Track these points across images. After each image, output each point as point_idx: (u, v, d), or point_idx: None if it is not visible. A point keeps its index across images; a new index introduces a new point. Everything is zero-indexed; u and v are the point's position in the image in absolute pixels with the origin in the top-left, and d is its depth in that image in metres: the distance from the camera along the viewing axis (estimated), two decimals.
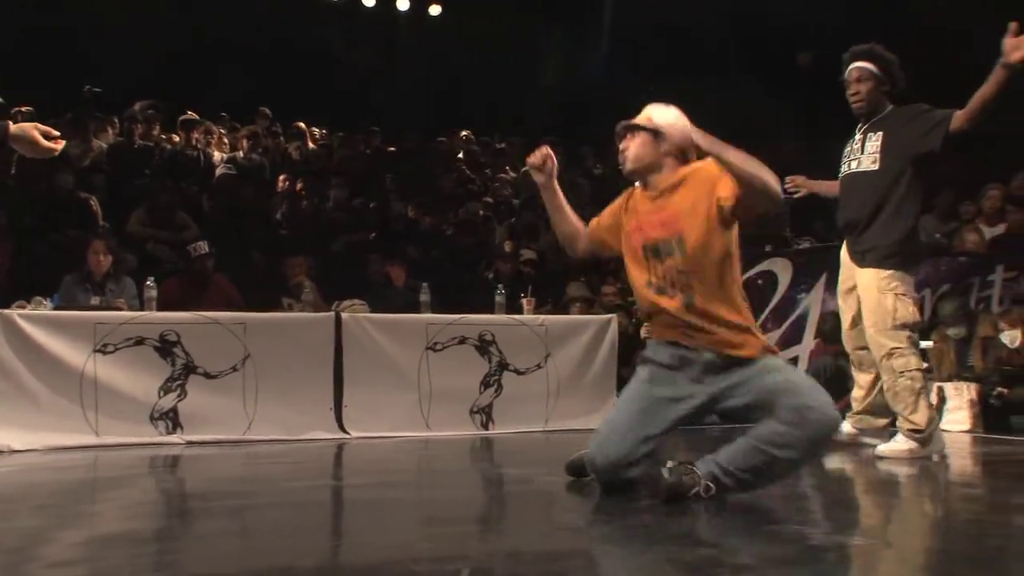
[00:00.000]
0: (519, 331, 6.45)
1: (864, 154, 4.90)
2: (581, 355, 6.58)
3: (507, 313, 6.57)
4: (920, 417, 4.72)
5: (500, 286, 6.92)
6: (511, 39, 12.32)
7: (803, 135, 10.54)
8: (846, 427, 5.26)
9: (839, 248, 5.15)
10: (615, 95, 12.10)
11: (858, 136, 4.97)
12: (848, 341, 5.22)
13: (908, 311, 4.75)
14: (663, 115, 3.68)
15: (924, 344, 6.93)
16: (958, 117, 4.59)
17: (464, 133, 12.49)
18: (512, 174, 11.62)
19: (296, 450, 5.37)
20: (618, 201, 3.86)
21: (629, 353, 6.90)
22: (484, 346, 6.36)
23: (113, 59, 10.59)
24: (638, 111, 3.75)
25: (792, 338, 7.44)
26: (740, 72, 10.86)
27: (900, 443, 4.79)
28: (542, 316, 6.75)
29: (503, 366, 6.35)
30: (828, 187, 5.33)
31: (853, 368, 5.31)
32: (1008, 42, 4.36)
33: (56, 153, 3.40)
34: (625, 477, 3.53)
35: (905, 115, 4.84)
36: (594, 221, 3.95)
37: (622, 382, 6.78)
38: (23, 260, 7.33)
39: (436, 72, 12.63)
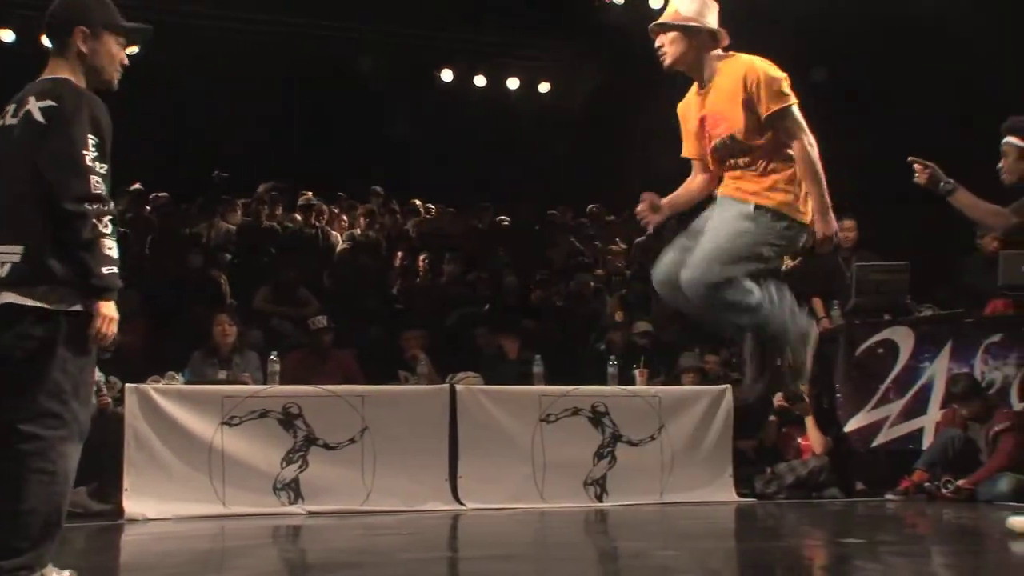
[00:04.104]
0: (632, 402, 6.43)
1: None
2: (695, 426, 6.50)
3: (620, 384, 6.58)
4: None
5: (612, 357, 6.93)
6: (611, 120, 12.45)
7: None
8: None
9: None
10: None
11: None
12: None
13: None
14: (688, 6, 3.65)
15: None
16: None
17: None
18: (623, 245, 11.66)
19: (413, 520, 5.44)
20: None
21: (744, 425, 6.79)
22: (597, 417, 6.36)
23: (238, 147, 11.17)
24: None
25: (915, 409, 7.19)
26: None
27: None
28: (655, 387, 6.72)
29: (616, 437, 6.33)
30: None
31: None
32: None
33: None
34: None
35: None
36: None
37: (737, 455, 6.68)
38: (156, 337, 7.67)
39: (545, 148, 12.84)
